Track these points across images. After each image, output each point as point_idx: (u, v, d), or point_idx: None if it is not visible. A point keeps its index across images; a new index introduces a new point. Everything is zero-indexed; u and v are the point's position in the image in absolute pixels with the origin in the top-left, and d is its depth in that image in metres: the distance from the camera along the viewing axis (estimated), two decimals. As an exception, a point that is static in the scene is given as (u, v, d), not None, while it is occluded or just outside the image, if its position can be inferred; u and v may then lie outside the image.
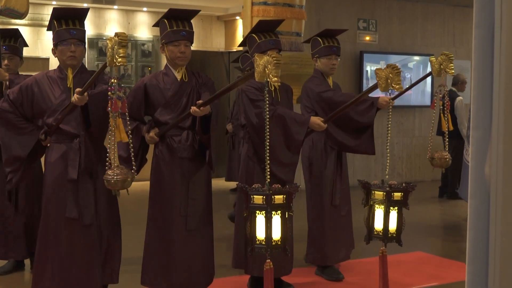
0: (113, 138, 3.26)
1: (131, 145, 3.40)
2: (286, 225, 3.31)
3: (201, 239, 4.33)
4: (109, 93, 3.18)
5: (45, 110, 4.03)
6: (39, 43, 11.16)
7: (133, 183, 3.46)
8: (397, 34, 11.10)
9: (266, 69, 3.23)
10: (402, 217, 3.95)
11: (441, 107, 4.53)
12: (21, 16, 4.80)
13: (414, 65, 11.36)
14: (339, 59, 5.22)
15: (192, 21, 4.32)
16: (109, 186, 3.33)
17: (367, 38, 10.99)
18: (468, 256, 2.50)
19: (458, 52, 12.04)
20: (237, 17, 12.29)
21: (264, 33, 4.65)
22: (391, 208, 3.90)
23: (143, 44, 11.81)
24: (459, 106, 9.05)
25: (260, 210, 3.27)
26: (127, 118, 3.36)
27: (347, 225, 5.31)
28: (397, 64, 3.98)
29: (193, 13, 4.50)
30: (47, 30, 4.24)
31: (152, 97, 4.29)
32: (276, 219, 3.28)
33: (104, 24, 11.66)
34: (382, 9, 11.16)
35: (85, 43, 4.12)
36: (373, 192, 3.96)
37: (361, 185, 4.06)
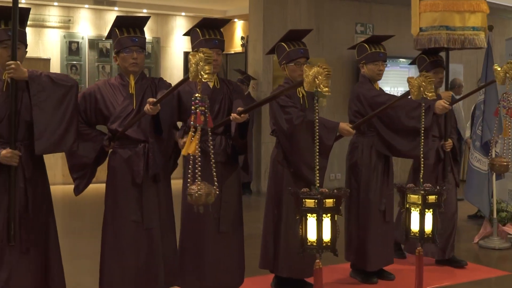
0: (197, 151, 3.30)
1: (198, 159, 3.39)
2: (335, 227, 3.52)
3: (232, 241, 4.51)
4: (193, 107, 3.26)
5: (108, 117, 4.14)
6: (40, 44, 11.26)
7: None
8: (393, 38, 11.29)
9: (316, 79, 3.42)
10: (437, 218, 4.19)
11: (505, 114, 4.78)
12: None
13: (409, 69, 11.63)
14: (386, 65, 5.38)
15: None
16: (192, 201, 3.34)
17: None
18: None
19: (454, 57, 12.31)
20: (235, 20, 12.49)
21: (293, 41, 4.84)
22: (426, 210, 4.14)
23: (142, 45, 11.94)
24: (458, 109, 9.33)
25: (312, 213, 3.47)
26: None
27: (391, 231, 5.45)
28: (428, 74, 4.22)
29: (224, 22, 4.68)
30: (106, 38, 4.40)
31: (186, 104, 4.41)
32: (327, 222, 3.49)
33: (104, 25, 11.77)
34: (379, 13, 11.43)
35: (145, 50, 4.26)
36: (408, 195, 4.20)
37: (397, 188, 4.28)
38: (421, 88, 4.11)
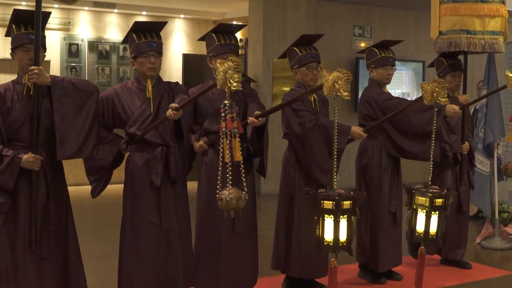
0: (226, 157, 3.37)
1: (242, 165, 3.45)
2: (351, 228, 3.61)
3: (247, 241, 4.58)
4: (222, 113, 3.33)
5: (126, 121, 4.20)
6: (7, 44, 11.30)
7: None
8: (390, 41, 11.46)
9: (336, 84, 3.50)
10: (442, 220, 4.29)
11: None
12: (73, 1, 4.24)
13: (406, 71, 11.76)
14: (395, 69, 5.47)
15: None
16: (222, 206, 3.42)
17: (362, 44, 11.35)
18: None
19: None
20: (234, 22, 12.56)
21: (305, 46, 4.93)
22: (433, 212, 4.23)
23: (142, 48, 12.00)
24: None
25: (329, 214, 3.56)
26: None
27: (400, 232, 5.53)
28: (440, 79, 4.32)
29: (238, 27, 4.77)
30: (123, 42, 4.45)
31: (201, 107, 4.51)
32: (343, 223, 3.58)
33: (104, 28, 11.84)
34: (377, 16, 11.55)
35: (162, 54, 4.32)
36: (416, 197, 4.29)
37: (406, 189, 4.37)
38: (434, 94, 4.20)
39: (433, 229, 4.33)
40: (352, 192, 3.67)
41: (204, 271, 4.51)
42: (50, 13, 4.13)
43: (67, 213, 4.05)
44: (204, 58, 4.90)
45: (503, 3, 5.70)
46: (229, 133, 3.36)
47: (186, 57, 12.16)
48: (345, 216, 3.59)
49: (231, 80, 3.30)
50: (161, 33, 4.37)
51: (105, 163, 4.25)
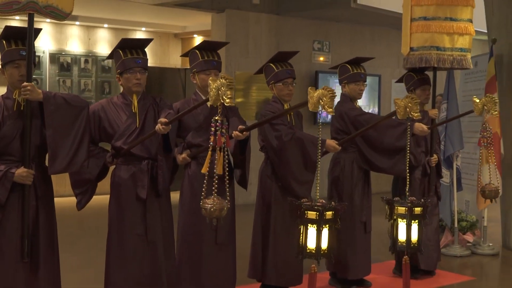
0: (205, 169, 3.56)
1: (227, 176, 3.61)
2: (333, 236, 3.81)
3: (227, 251, 4.74)
4: (212, 128, 3.48)
5: (112, 134, 4.31)
6: (1, 58, 11.23)
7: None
8: (348, 55, 11.64)
9: (321, 100, 3.70)
10: (422, 228, 4.53)
11: (484, 143, 5.21)
12: (65, 17, 4.05)
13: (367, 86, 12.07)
14: (366, 85, 5.71)
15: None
16: (206, 214, 3.56)
17: (321, 58, 11.64)
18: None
19: (402, 73, 12.83)
20: (195, 35, 12.73)
21: (280, 62, 5.13)
22: (413, 221, 4.47)
23: (103, 60, 12.05)
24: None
25: (312, 223, 3.76)
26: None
27: (369, 241, 5.77)
28: (413, 95, 4.57)
29: (222, 44, 4.95)
30: (107, 58, 4.57)
31: (184, 121, 4.66)
32: (325, 232, 3.78)
33: (65, 40, 11.84)
34: (335, 31, 11.85)
35: (147, 70, 4.45)
36: (396, 207, 4.53)
37: (385, 201, 4.61)
38: (407, 109, 4.44)
39: (414, 237, 4.57)
40: (333, 203, 3.87)
41: (186, 279, 4.64)
42: (41, 29, 4.21)
43: (54, 225, 4.14)
44: (164, 70, 5.05)
45: (471, 21, 5.98)
46: (218, 148, 3.51)
47: (148, 70, 12.22)
48: (327, 225, 3.79)
49: (224, 97, 3.46)
50: None
51: (91, 176, 4.34)
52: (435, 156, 6.10)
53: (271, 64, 5.13)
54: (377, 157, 5.53)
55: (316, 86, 11.29)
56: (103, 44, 12.15)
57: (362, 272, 5.70)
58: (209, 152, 3.57)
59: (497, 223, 7.86)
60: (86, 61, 11.88)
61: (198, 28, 12.48)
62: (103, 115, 4.34)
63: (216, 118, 3.50)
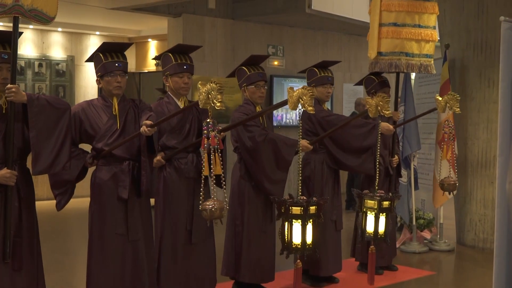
0: (206, 171, 3.66)
1: (223, 177, 3.72)
2: (316, 231, 3.99)
3: (204, 251, 4.86)
4: (205, 131, 3.60)
5: (93, 136, 4.37)
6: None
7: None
8: (301, 59, 12.02)
9: (300, 99, 3.88)
10: (389, 221, 4.77)
11: (446, 139, 5.44)
12: (50, 21, 4.05)
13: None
14: (333, 88, 5.89)
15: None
16: (206, 216, 3.69)
17: (276, 62, 11.84)
18: (495, 248, 3.35)
19: (353, 77, 13.23)
20: (149, 39, 12.76)
21: (252, 66, 5.29)
22: (381, 214, 4.71)
23: (57, 64, 11.98)
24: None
25: (297, 219, 3.92)
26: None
27: (340, 239, 5.95)
28: (384, 94, 4.80)
29: (195, 48, 5.06)
30: (87, 61, 4.62)
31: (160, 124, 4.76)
32: (309, 227, 3.96)
33: (18, 43, 11.67)
34: (289, 36, 12.08)
35: (127, 73, 4.53)
36: (366, 200, 4.75)
37: (356, 194, 4.82)
38: (379, 107, 4.67)
39: (381, 229, 4.81)
40: (315, 198, 4.04)
41: (166, 279, 4.74)
42: (22, 33, 4.23)
43: (36, 226, 4.17)
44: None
45: (435, 28, 6.26)
46: (212, 149, 3.64)
47: (102, 74, 12.21)
48: (311, 220, 3.96)
49: (214, 100, 3.59)
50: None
51: (71, 177, 4.39)
52: (396, 156, 6.35)
53: (244, 67, 5.28)
54: (345, 156, 5.73)
55: (270, 90, 11.59)
56: (57, 48, 12.07)
57: (333, 269, 5.89)
58: (206, 155, 3.67)
59: (452, 220, 8.19)
60: (40, 65, 11.78)
61: (153, 32, 12.54)
62: (83, 117, 4.39)
63: (208, 120, 3.61)
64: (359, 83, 6.71)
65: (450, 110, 5.62)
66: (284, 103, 4.04)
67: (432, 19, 6.16)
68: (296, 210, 3.92)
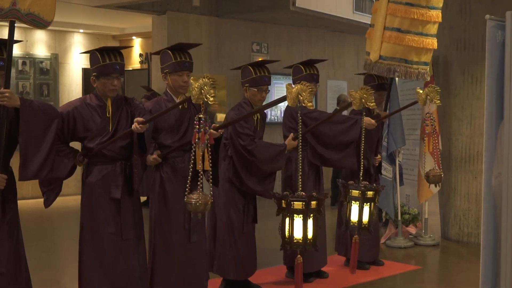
0: (198, 166, 3.70)
1: (210, 173, 3.76)
2: (317, 225, 4.08)
3: (200, 249, 4.89)
4: (196, 126, 3.63)
5: (86, 135, 4.38)
6: None
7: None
8: (285, 56, 12.09)
9: (300, 95, 3.94)
10: (373, 211, 4.89)
11: (427, 132, 5.52)
12: (46, 25, 4.02)
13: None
14: (318, 85, 5.93)
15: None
16: (191, 209, 3.74)
17: (260, 59, 11.89)
18: (482, 241, 3.45)
19: (336, 73, 13.36)
20: (133, 37, 12.75)
21: (259, 68, 5.34)
22: (365, 203, 4.82)
23: (41, 62, 11.91)
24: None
25: (298, 214, 4.00)
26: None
27: (325, 234, 6.01)
28: (368, 87, 4.90)
29: (194, 45, 5.04)
30: (81, 53, 4.60)
31: (156, 122, 4.70)
32: (310, 221, 4.04)
33: None
34: (273, 33, 12.16)
35: (124, 74, 4.54)
36: (350, 190, 4.86)
37: (341, 184, 4.92)
38: (363, 100, 4.75)
39: (365, 218, 4.93)
40: (314, 193, 4.13)
41: (159, 278, 4.77)
42: (20, 41, 4.27)
43: (18, 228, 4.20)
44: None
45: (435, 36, 6.08)
46: (202, 144, 3.69)
47: (86, 72, 12.15)
48: (312, 214, 4.05)
49: (207, 95, 3.63)
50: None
51: (61, 175, 4.39)
52: (379, 155, 6.48)
53: (250, 68, 5.32)
54: (327, 151, 5.78)
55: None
56: (41, 46, 12.01)
57: (318, 264, 5.98)
58: (197, 150, 3.71)
59: (436, 215, 8.32)
60: (24, 63, 11.72)
61: (137, 30, 12.52)
62: (77, 116, 4.38)
63: (200, 116, 3.65)
64: (362, 74, 6.73)
65: (430, 102, 5.66)
66: (283, 99, 4.09)
67: (435, 28, 6.01)
68: (298, 205, 4.01)
